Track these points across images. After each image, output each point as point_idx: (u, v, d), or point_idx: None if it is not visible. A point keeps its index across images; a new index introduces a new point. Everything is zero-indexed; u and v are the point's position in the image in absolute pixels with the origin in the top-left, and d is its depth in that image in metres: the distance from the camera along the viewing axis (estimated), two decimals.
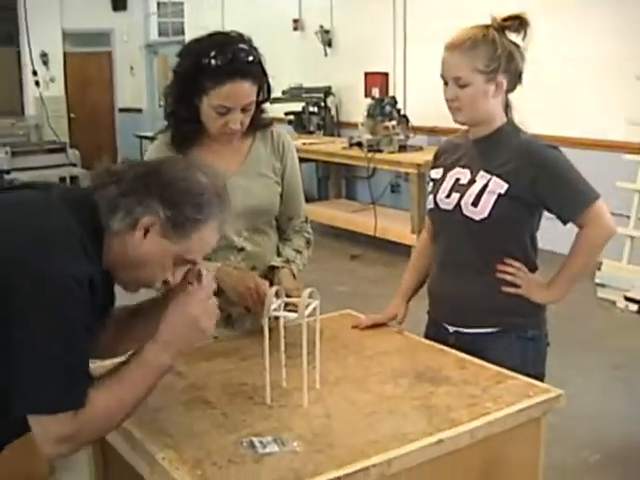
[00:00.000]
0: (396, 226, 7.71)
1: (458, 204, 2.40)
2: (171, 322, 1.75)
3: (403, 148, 7.85)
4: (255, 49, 2.41)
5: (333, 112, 10.08)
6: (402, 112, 8.25)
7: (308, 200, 9.38)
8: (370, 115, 8.13)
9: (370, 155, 7.76)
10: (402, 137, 7.92)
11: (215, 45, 2.35)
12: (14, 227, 1.65)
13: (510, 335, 2.42)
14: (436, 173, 2.54)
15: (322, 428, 1.85)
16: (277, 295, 2.07)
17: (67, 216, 1.67)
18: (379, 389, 2.08)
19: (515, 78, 2.38)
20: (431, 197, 2.51)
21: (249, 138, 2.56)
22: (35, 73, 13.50)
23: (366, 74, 9.28)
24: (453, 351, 2.36)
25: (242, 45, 2.37)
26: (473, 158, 2.44)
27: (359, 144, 8.03)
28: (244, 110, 2.40)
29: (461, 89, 2.33)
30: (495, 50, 2.31)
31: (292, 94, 9.94)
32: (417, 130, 8.23)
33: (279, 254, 2.62)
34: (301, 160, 9.21)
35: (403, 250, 7.05)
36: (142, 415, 1.85)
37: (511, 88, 2.40)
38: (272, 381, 2.02)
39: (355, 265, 7.57)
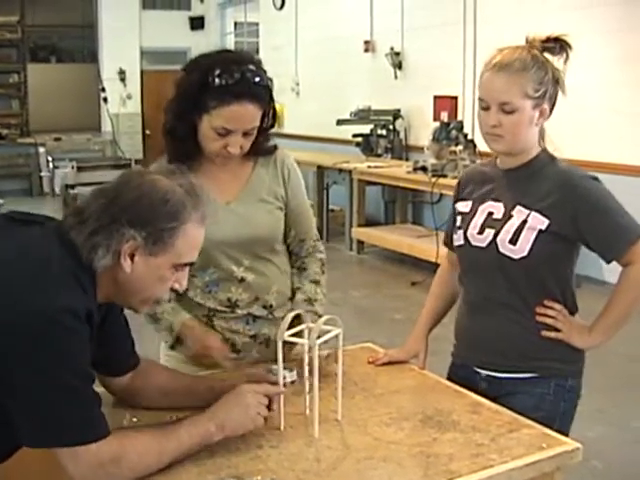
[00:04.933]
0: None
1: (493, 241, 2.21)
2: (226, 405, 1.83)
3: None
4: (264, 72, 2.27)
5: (402, 135, 9.95)
6: (469, 137, 8.06)
7: (374, 224, 9.33)
8: (435, 139, 7.96)
9: (434, 180, 7.60)
10: (468, 162, 7.69)
11: (223, 63, 2.21)
12: (12, 267, 1.64)
13: (549, 382, 2.23)
14: (464, 206, 2.35)
15: (307, 474, 1.73)
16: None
17: (64, 256, 1.66)
18: (379, 432, 1.94)
19: (553, 104, 2.22)
20: (460, 232, 2.31)
21: (250, 163, 2.42)
22: (104, 90, 13.74)
23: (435, 97, 9.13)
24: (469, 393, 2.20)
25: (251, 66, 2.23)
26: (506, 190, 2.25)
27: (423, 168, 7.87)
28: (246, 134, 2.26)
29: (506, 115, 2.14)
30: (545, 73, 2.14)
31: (360, 116, 9.87)
32: (485, 155, 8.03)
33: (297, 287, 2.50)
34: (366, 183, 9.17)
35: None
36: None
37: (549, 115, 2.23)
38: (271, 419, 1.91)
39: (414, 292, 7.39)
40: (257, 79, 2.22)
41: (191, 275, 2.33)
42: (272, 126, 2.37)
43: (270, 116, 2.33)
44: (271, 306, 2.44)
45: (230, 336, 2.41)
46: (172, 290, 1.80)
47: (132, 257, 1.69)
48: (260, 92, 2.24)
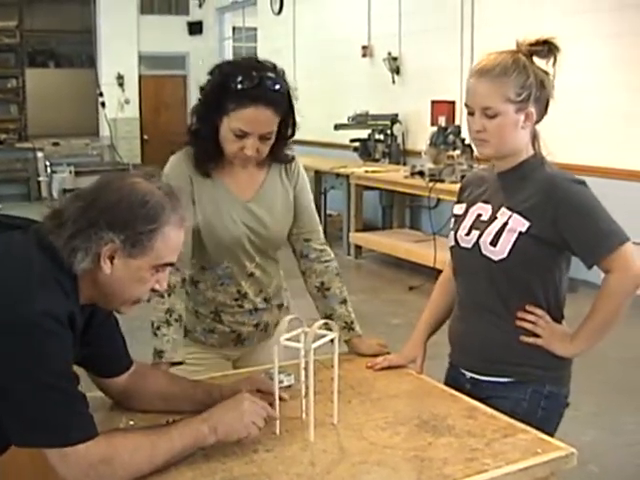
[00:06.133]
0: None
1: (477, 242, 2.23)
2: (222, 409, 1.84)
3: None
4: (285, 81, 2.40)
5: (399, 140, 9.95)
6: (466, 141, 8.06)
7: (371, 229, 9.29)
8: (433, 144, 7.99)
9: (431, 185, 7.60)
10: (465, 167, 7.71)
11: (244, 68, 2.36)
12: None
13: (526, 388, 2.23)
14: (459, 209, 2.38)
15: (302, 477, 1.73)
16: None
17: (44, 260, 1.67)
18: (375, 436, 1.94)
19: (543, 108, 2.23)
20: (452, 234, 2.35)
21: (266, 167, 2.55)
22: (102, 94, 13.76)
23: (433, 102, 9.15)
24: (466, 398, 2.20)
25: (271, 74, 2.36)
26: (495, 193, 2.27)
27: (421, 173, 7.88)
28: (263, 138, 2.37)
29: (489, 120, 2.17)
30: (527, 77, 2.15)
31: (358, 121, 9.87)
32: (482, 160, 8.03)
33: (330, 314, 2.57)
34: (364, 188, 9.15)
35: None
36: None
37: (539, 118, 2.24)
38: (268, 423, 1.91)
39: (412, 297, 7.39)
40: (276, 87, 2.35)
41: (203, 268, 2.53)
42: (292, 135, 2.49)
43: (290, 125, 2.45)
44: (270, 298, 2.64)
45: (237, 328, 2.61)
46: (153, 291, 1.81)
47: (112, 259, 1.70)
48: (277, 98, 2.35)
